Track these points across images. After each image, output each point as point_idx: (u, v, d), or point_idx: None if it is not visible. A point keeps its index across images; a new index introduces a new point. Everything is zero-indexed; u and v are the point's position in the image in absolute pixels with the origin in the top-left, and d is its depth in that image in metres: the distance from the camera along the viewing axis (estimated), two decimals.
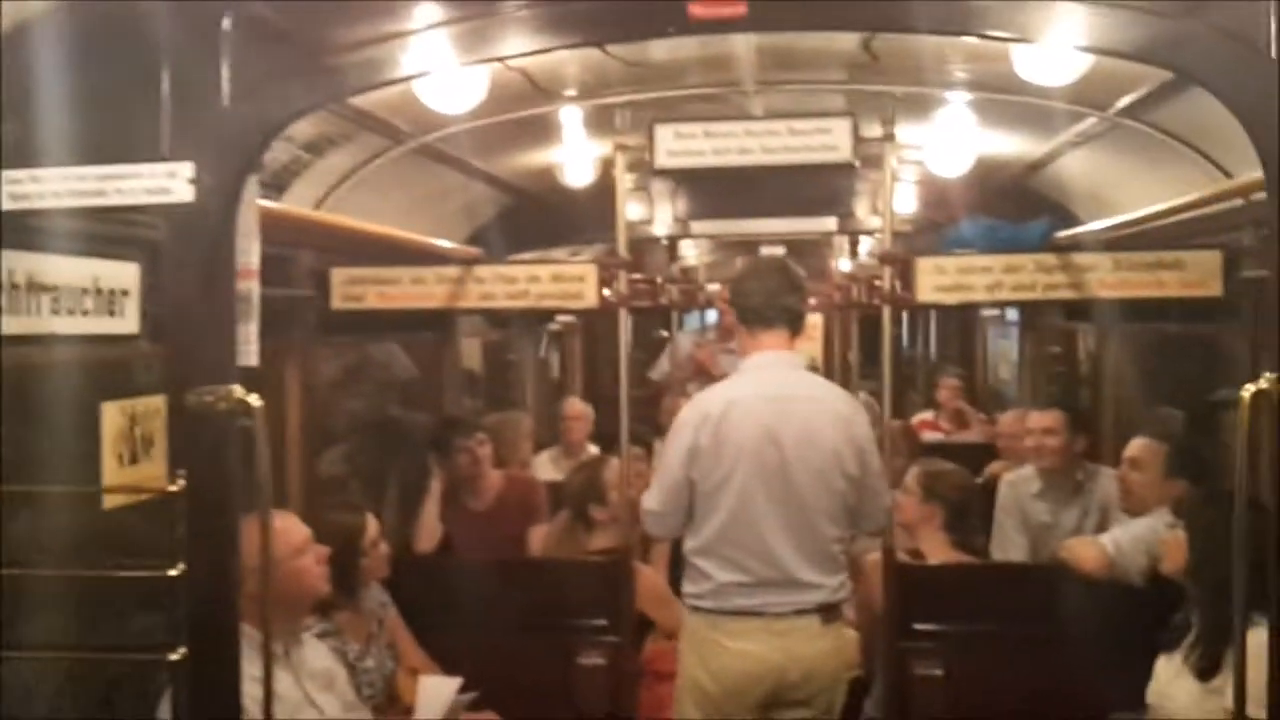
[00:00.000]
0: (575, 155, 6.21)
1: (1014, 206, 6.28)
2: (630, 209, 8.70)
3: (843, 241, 7.98)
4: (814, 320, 13.31)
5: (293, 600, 4.00)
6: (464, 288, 5.28)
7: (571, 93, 5.14)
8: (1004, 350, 11.62)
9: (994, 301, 4.92)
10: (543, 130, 6.02)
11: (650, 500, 4.50)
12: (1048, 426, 6.18)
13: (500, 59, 3.39)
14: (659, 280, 7.88)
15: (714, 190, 7.85)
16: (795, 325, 4.39)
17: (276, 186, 4.72)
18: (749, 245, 11.54)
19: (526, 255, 7.27)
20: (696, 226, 7.55)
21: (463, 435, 6.71)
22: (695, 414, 4.32)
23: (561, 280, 5.25)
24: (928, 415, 10.60)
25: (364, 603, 4.84)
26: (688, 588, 4.42)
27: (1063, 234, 5.11)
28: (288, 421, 5.32)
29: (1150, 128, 4.99)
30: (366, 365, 7.33)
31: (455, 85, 4.00)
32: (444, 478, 6.55)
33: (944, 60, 4.59)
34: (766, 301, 4.36)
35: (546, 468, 8.20)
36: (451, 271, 5.32)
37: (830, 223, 6.88)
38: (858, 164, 5.01)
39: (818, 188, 7.18)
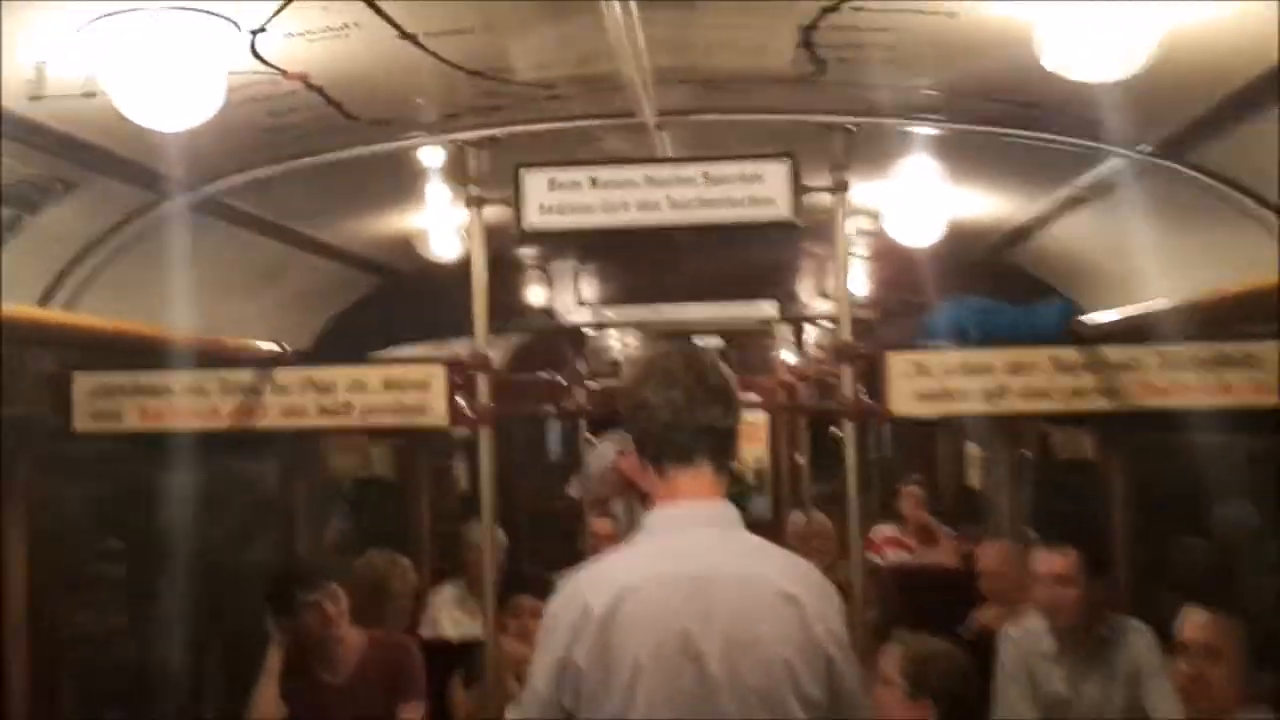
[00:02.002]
0: (437, 217, 4.76)
1: (1003, 285, 4.91)
2: (532, 292, 7.38)
3: (785, 330, 6.57)
4: (758, 419, 11.87)
5: None
6: (260, 400, 3.76)
7: (404, 124, 3.69)
8: (973, 452, 10.21)
9: (999, 414, 3.51)
10: (398, 186, 4.59)
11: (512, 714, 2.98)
12: (1061, 573, 4.72)
13: None
14: (561, 380, 6.56)
15: (627, 268, 6.52)
16: (722, 455, 2.76)
17: None
18: (682, 333, 10.18)
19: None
20: (607, 313, 6.16)
21: (308, 588, 5.15)
22: (570, 609, 2.70)
23: (397, 387, 3.75)
24: (889, 529, 9.16)
25: None
26: None
27: (1088, 318, 3.66)
28: (6, 599, 3.74)
29: (1196, 171, 3.63)
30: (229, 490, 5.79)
31: (141, 76, 2.50)
32: (286, 643, 5.01)
33: (920, 65, 3.21)
34: (675, 420, 2.78)
35: (447, 609, 6.59)
36: (244, 378, 3.80)
37: (769, 307, 5.48)
38: (799, 222, 3.62)
39: (753, 261, 5.86)
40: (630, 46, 3.11)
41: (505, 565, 7.08)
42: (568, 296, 6.55)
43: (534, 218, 3.68)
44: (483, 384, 3.70)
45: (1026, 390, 3.55)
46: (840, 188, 3.66)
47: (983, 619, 5.85)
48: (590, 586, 2.70)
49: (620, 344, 10.61)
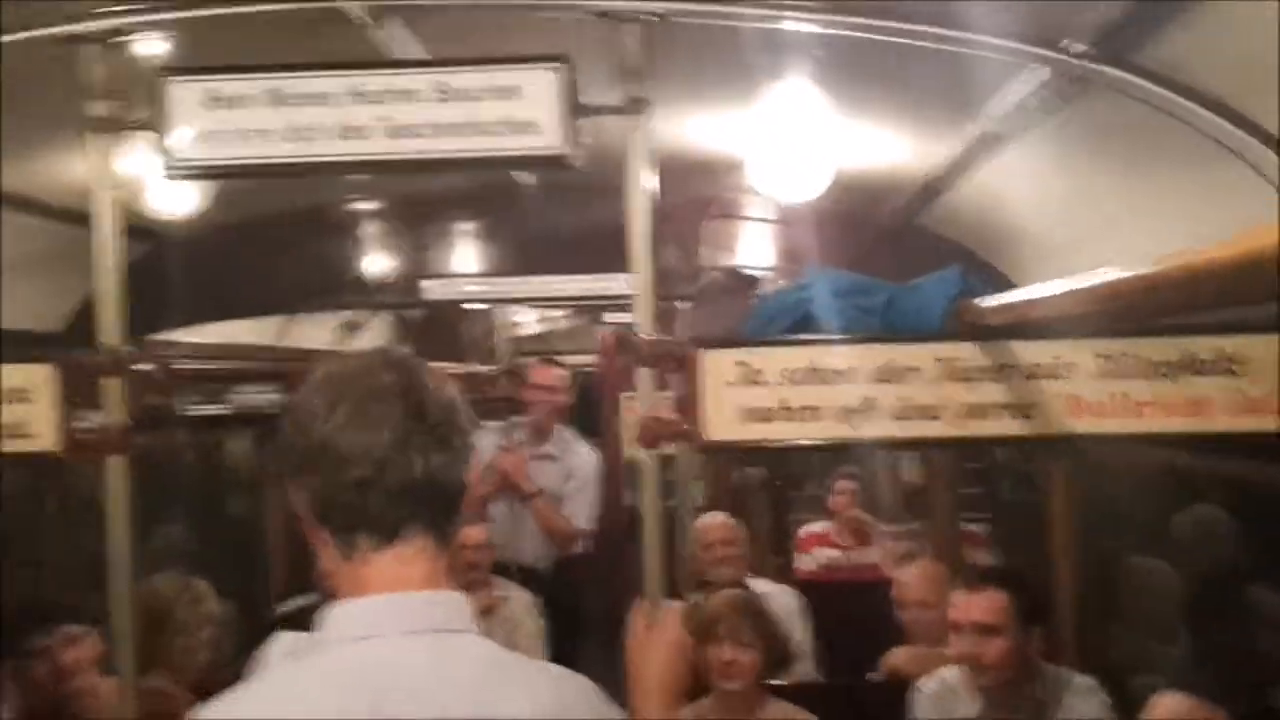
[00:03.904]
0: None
1: (905, 253, 3.77)
2: (373, 252, 6.19)
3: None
4: None
5: None
6: None
7: None
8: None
9: (859, 441, 2.38)
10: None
11: None
12: (983, 621, 3.70)
13: None
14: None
15: (476, 230, 5.37)
16: (444, 521, 1.73)
17: None
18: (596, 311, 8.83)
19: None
20: (433, 287, 5.04)
21: (38, 631, 4.06)
22: None
23: None
24: (818, 527, 8.19)
25: None
26: None
27: (994, 301, 2.49)
28: None
29: (1142, 77, 2.47)
30: None
31: None
32: (16, 699, 3.97)
33: None
34: (376, 476, 1.66)
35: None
36: None
37: (619, 282, 4.36)
38: (572, 158, 2.46)
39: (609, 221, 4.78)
40: None
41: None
42: (403, 265, 5.41)
43: (185, 148, 2.49)
44: (114, 394, 2.51)
45: (903, 406, 2.39)
46: (633, 107, 2.48)
47: (896, 661, 4.78)
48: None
49: (537, 320, 9.35)
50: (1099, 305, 1.98)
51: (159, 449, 6.34)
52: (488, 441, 7.07)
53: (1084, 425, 2.37)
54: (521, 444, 6.71)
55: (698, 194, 4.39)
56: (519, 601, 5.65)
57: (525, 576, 6.13)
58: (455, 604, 1.72)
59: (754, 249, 4.69)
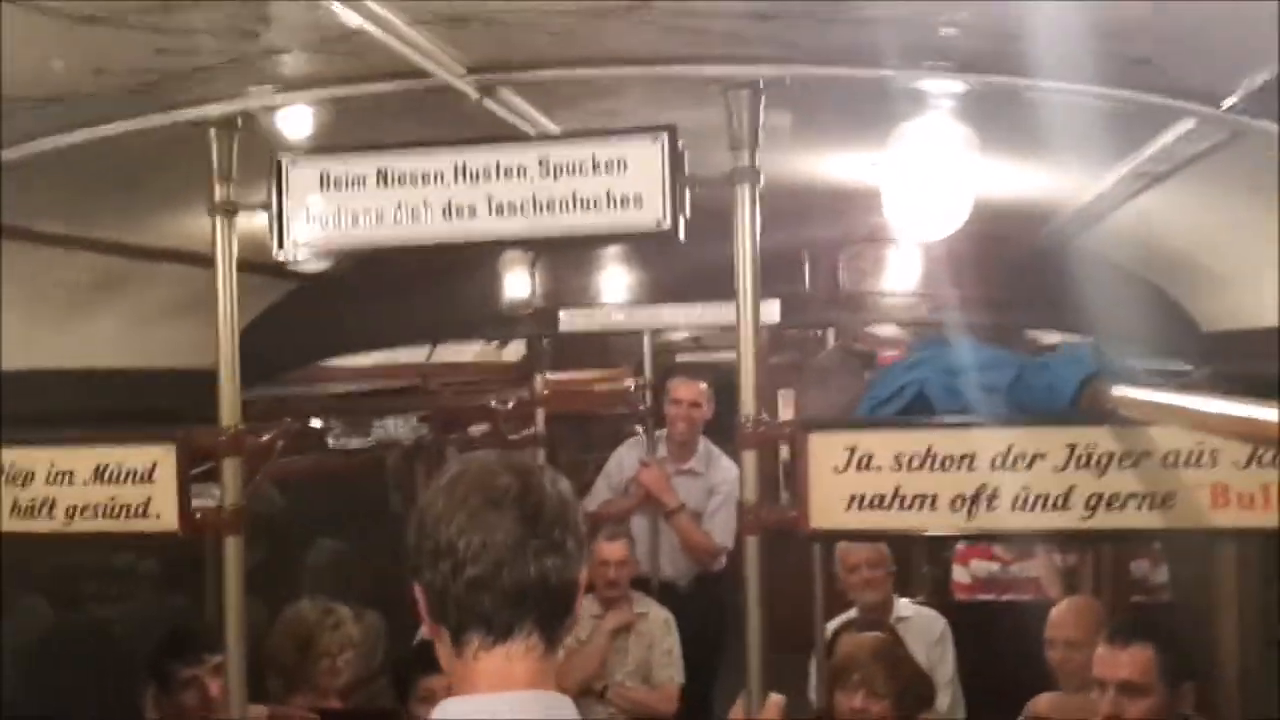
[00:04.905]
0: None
1: (1056, 276, 3.55)
2: (512, 281, 6.28)
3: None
4: None
5: None
6: None
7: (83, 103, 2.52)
8: None
9: (982, 534, 2.22)
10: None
11: None
12: (1127, 679, 3.49)
13: None
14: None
15: (611, 256, 5.34)
16: (555, 622, 1.78)
17: None
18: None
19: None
20: (571, 317, 5.05)
21: (187, 660, 4.22)
22: None
23: (111, 479, 2.63)
24: None
25: None
26: None
27: (1124, 391, 2.22)
28: None
29: None
30: None
31: None
32: None
33: None
34: (490, 578, 1.73)
35: None
36: None
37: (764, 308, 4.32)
38: (681, 234, 2.39)
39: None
40: None
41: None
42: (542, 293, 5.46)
43: (302, 231, 2.52)
44: (231, 473, 2.57)
45: (1028, 494, 2.24)
46: (742, 176, 2.38)
47: (1040, 709, 4.52)
48: None
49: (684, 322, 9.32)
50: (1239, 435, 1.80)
51: (315, 470, 6.58)
52: (630, 456, 7.07)
53: (1229, 518, 2.17)
54: (664, 459, 6.67)
55: (839, 224, 4.26)
56: (656, 619, 5.64)
57: (665, 592, 6.11)
58: (556, 705, 1.77)
59: (899, 274, 4.52)
